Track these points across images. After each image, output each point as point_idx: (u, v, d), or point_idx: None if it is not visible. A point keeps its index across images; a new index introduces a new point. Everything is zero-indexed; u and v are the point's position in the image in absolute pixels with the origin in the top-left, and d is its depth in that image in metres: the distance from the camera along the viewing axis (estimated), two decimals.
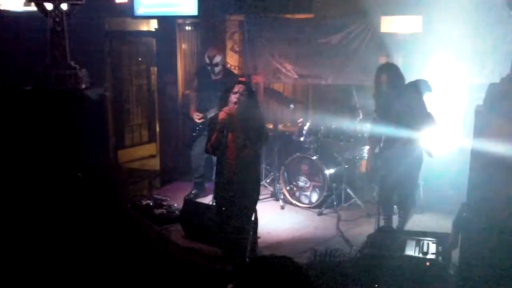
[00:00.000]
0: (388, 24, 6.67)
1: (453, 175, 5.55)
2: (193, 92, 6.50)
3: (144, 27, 8.15)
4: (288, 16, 6.88)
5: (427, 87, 5.16)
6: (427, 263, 3.87)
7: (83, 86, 4.97)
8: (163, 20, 7.28)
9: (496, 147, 3.42)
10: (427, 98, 4.99)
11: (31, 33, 6.10)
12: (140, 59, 8.54)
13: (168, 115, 7.48)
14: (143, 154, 8.56)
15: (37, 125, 4.74)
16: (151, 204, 5.95)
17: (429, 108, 4.94)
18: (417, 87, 4.96)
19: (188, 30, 7.67)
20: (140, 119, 8.67)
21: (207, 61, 6.16)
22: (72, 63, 5.00)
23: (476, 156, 3.63)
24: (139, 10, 7.12)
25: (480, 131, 3.64)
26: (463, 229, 3.83)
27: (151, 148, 8.67)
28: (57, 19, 4.83)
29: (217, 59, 6.16)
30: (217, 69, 6.17)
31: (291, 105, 6.71)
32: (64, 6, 4.83)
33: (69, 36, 4.96)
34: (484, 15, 5.61)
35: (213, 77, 6.18)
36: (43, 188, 4.57)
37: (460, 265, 3.85)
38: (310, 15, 6.80)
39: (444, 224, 4.70)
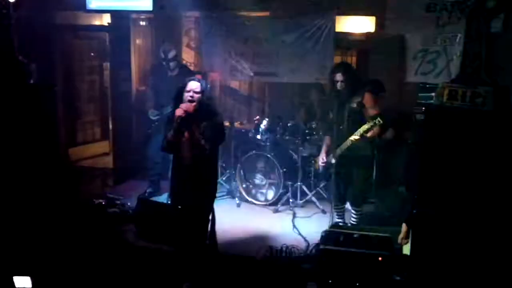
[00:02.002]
0: (343, 24, 6.79)
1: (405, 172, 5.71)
2: (148, 89, 6.39)
3: (97, 22, 7.93)
4: (245, 14, 6.87)
5: (379, 87, 5.29)
6: (380, 258, 3.97)
7: (32, 81, 4.79)
8: (117, 14, 7.11)
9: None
10: (379, 98, 5.11)
11: None
12: (92, 54, 8.31)
13: (121, 112, 7.30)
14: (96, 152, 8.34)
15: None
16: (103, 203, 5.81)
17: (381, 108, 5.05)
18: (370, 86, 5.06)
19: (143, 26, 7.53)
20: (92, 116, 8.44)
21: (162, 56, 6.09)
22: (20, 57, 4.80)
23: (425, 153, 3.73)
24: (92, 4, 6.93)
25: (430, 129, 3.74)
26: (414, 224, 3.94)
27: (104, 146, 8.45)
28: (4, 11, 4.61)
29: (172, 53, 6.09)
30: (172, 64, 6.10)
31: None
32: None
33: (17, 30, 4.75)
34: (435, 16, 5.79)
35: (169, 73, 6.12)
36: None
37: (411, 259, 3.96)
38: (266, 13, 6.82)
39: (397, 219, 4.82)
